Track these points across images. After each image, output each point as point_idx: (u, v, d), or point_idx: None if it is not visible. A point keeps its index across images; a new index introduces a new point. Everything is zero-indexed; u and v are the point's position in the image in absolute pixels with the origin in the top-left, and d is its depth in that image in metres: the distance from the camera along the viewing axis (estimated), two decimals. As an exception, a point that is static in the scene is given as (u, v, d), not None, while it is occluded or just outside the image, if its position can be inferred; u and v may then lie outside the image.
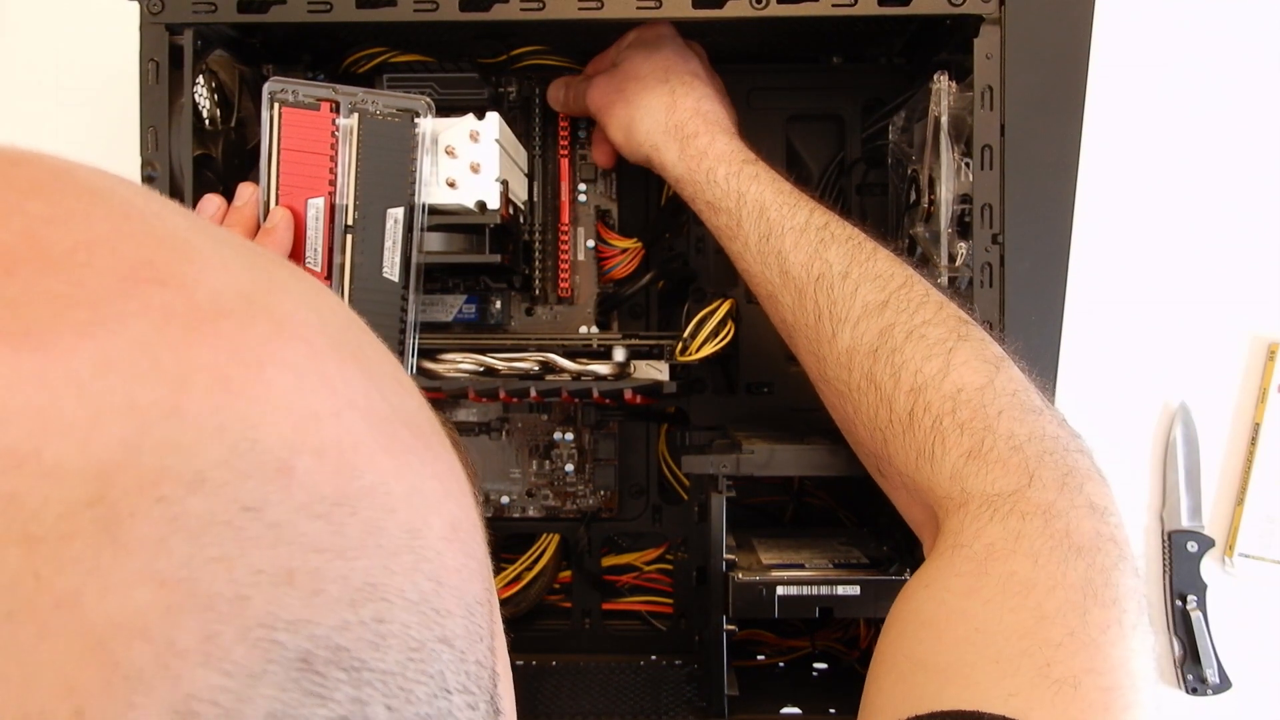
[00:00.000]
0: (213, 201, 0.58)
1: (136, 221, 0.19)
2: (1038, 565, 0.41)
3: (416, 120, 0.57)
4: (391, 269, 0.58)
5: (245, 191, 0.58)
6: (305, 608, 0.17)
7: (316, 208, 0.58)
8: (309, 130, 0.57)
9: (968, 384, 0.48)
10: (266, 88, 0.57)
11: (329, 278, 0.58)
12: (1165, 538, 0.79)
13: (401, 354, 0.58)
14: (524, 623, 0.75)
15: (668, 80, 0.62)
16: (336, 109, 0.57)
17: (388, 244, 0.58)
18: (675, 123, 0.60)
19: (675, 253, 0.76)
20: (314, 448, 0.18)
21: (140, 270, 0.18)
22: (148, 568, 0.15)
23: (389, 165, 0.57)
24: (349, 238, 0.58)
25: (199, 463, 0.16)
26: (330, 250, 0.58)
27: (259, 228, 0.57)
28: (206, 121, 0.62)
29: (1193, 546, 0.78)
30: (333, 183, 0.58)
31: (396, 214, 0.57)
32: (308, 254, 0.58)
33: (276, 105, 0.57)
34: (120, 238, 0.18)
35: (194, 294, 0.18)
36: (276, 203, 0.57)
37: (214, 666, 0.15)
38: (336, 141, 0.57)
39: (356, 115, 0.57)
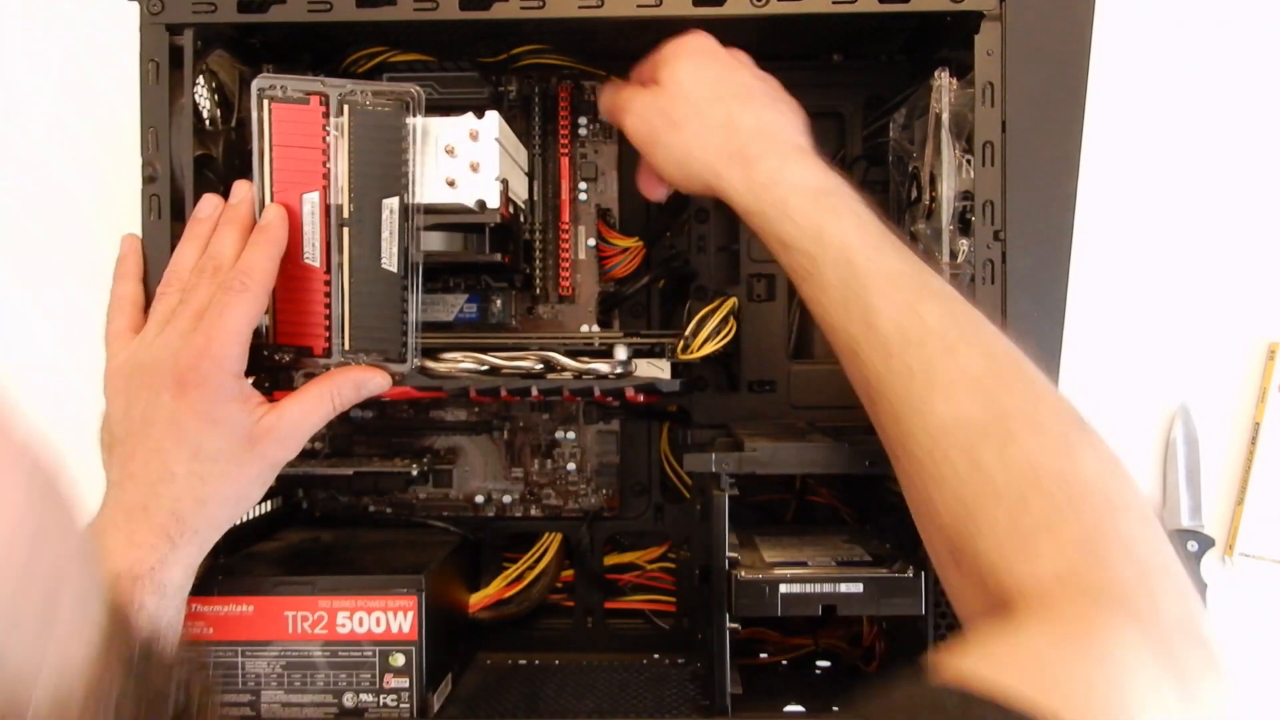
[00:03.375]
0: (210, 201, 0.58)
1: None
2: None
3: (406, 108, 0.57)
4: (390, 259, 0.58)
5: (240, 189, 0.58)
6: None
7: (312, 202, 0.58)
8: (300, 125, 0.57)
9: (1089, 481, 0.43)
10: (255, 84, 0.57)
11: (328, 271, 0.58)
12: (1166, 537, 0.79)
13: (404, 352, 0.58)
14: (527, 622, 0.75)
15: (720, 98, 0.56)
16: (326, 102, 0.57)
17: (385, 234, 0.58)
18: (737, 146, 0.54)
19: (676, 251, 0.76)
20: None
21: None
22: None
23: (381, 155, 0.57)
24: (346, 231, 0.58)
25: None
26: (328, 244, 0.58)
27: (254, 225, 0.57)
28: (207, 122, 0.62)
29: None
30: (326, 176, 0.57)
31: (392, 204, 0.57)
32: (306, 249, 0.58)
33: (266, 102, 0.57)
34: None
35: None
36: (272, 199, 0.57)
37: None
38: (328, 135, 0.57)
39: (346, 107, 0.57)
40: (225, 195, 0.59)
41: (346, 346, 0.58)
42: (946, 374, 0.46)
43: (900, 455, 0.49)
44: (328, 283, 0.58)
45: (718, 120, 0.56)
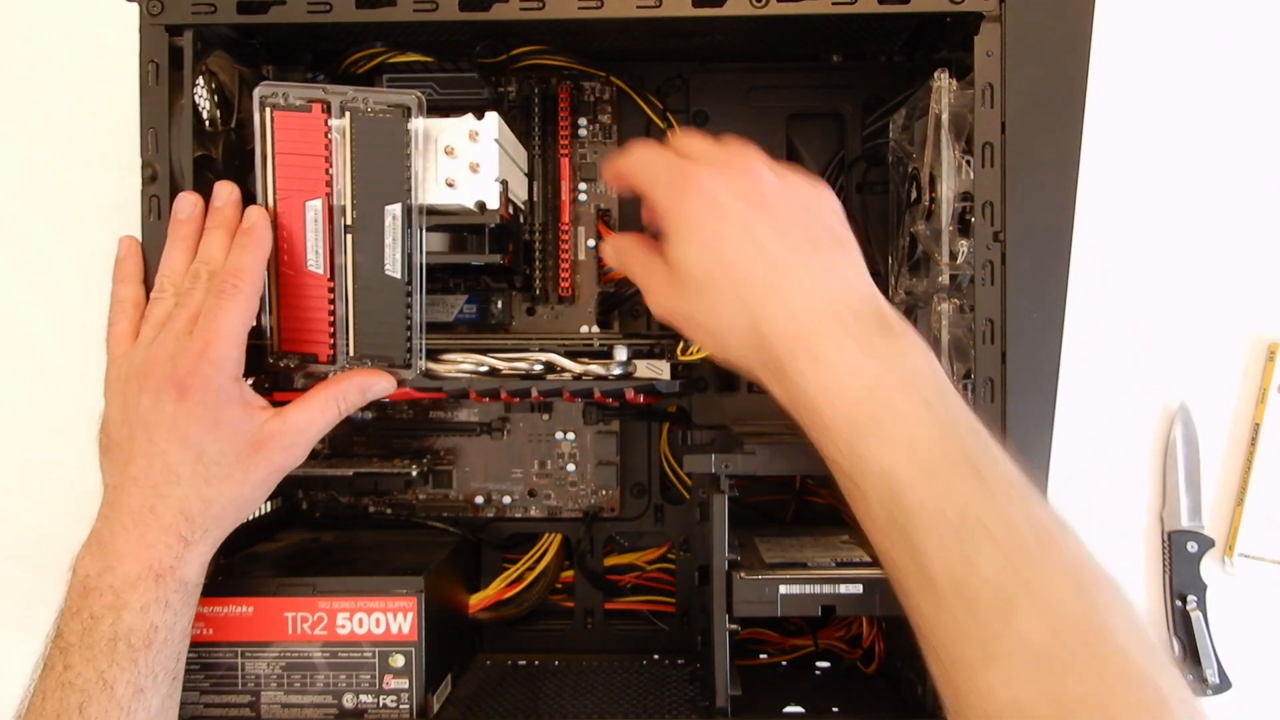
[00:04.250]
0: (187, 200, 0.58)
1: None
2: None
3: (408, 115, 0.57)
4: (393, 266, 0.58)
5: (223, 192, 0.58)
6: None
7: (315, 209, 0.58)
8: (302, 133, 0.57)
9: None
10: (257, 93, 0.57)
11: (332, 278, 0.58)
12: (1165, 538, 0.79)
13: (409, 355, 0.58)
14: (526, 623, 0.75)
15: (737, 288, 0.48)
16: (328, 109, 0.57)
17: (388, 241, 0.58)
18: (763, 350, 0.47)
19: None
20: None
21: None
22: None
23: (384, 162, 0.57)
24: (349, 238, 0.58)
25: None
26: (331, 251, 0.58)
27: (239, 227, 0.57)
28: (206, 122, 0.62)
29: (1193, 546, 0.78)
30: (329, 184, 0.58)
31: (394, 211, 0.57)
32: (309, 256, 0.58)
33: (268, 110, 0.57)
34: None
35: None
36: (275, 207, 0.58)
37: None
38: (330, 142, 0.57)
39: (348, 114, 0.57)
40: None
41: (351, 353, 0.58)
42: (1003, 646, 0.39)
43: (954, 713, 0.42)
44: (331, 290, 0.58)
45: (745, 326, 0.48)
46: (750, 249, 0.48)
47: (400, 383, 0.59)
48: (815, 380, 0.45)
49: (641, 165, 0.52)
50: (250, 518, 0.68)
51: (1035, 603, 0.39)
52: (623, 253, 0.56)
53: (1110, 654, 0.38)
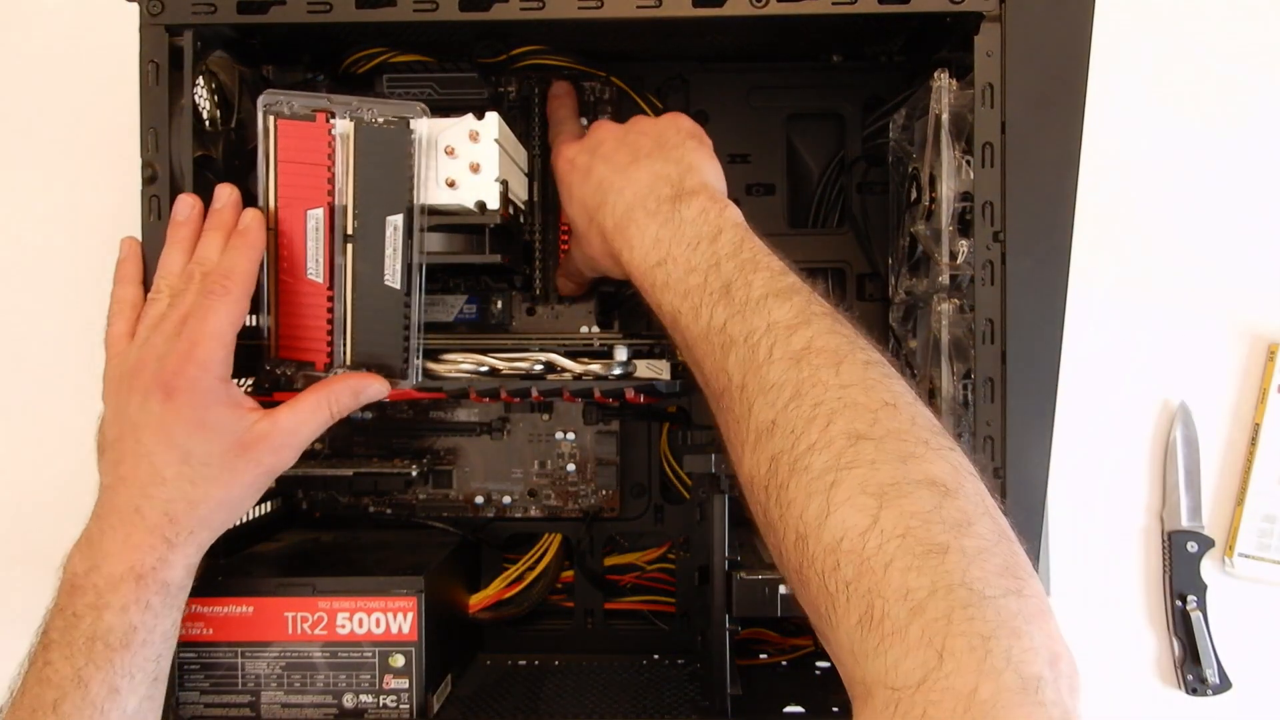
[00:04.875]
0: (186, 202, 0.58)
1: None
2: None
3: (412, 126, 0.57)
4: (393, 276, 0.58)
5: (223, 194, 0.58)
6: None
7: (316, 218, 0.58)
8: (305, 141, 0.57)
9: (849, 529, 0.39)
10: (261, 100, 0.57)
11: (331, 287, 0.58)
12: (1165, 538, 0.79)
13: (406, 364, 0.59)
14: (527, 622, 0.75)
15: (590, 216, 0.60)
16: (331, 118, 0.57)
17: (388, 252, 0.58)
18: (610, 253, 0.58)
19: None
20: None
21: None
22: None
23: (386, 173, 0.57)
24: (349, 247, 0.58)
25: None
26: (331, 260, 0.58)
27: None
28: (207, 123, 0.62)
29: (1193, 546, 0.78)
30: (331, 193, 0.58)
31: (396, 221, 0.58)
32: (309, 265, 0.58)
33: (271, 117, 0.57)
34: None
35: None
36: (276, 215, 0.58)
37: None
38: (333, 151, 0.57)
39: (352, 124, 0.57)
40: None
41: (348, 361, 0.58)
42: (744, 429, 0.46)
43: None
44: (330, 298, 0.58)
45: (597, 240, 0.59)
46: (589, 182, 0.60)
47: (394, 384, 0.59)
48: (629, 259, 0.55)
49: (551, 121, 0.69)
50: (250, 518, 0.68)
51: (761, 391, 0.45)
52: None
53: (822, 413, 0.43)
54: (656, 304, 0.54)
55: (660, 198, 0.55)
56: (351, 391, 0.57)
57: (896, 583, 0.37)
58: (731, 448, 0.48)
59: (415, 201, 0.58)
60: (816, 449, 0.42)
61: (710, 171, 0.58)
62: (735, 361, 0.47)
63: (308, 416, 0.56)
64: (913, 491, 0.39)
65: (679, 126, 0.60)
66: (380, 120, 0.57)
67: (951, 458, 0.42)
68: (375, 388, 0.58)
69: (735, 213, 0.55)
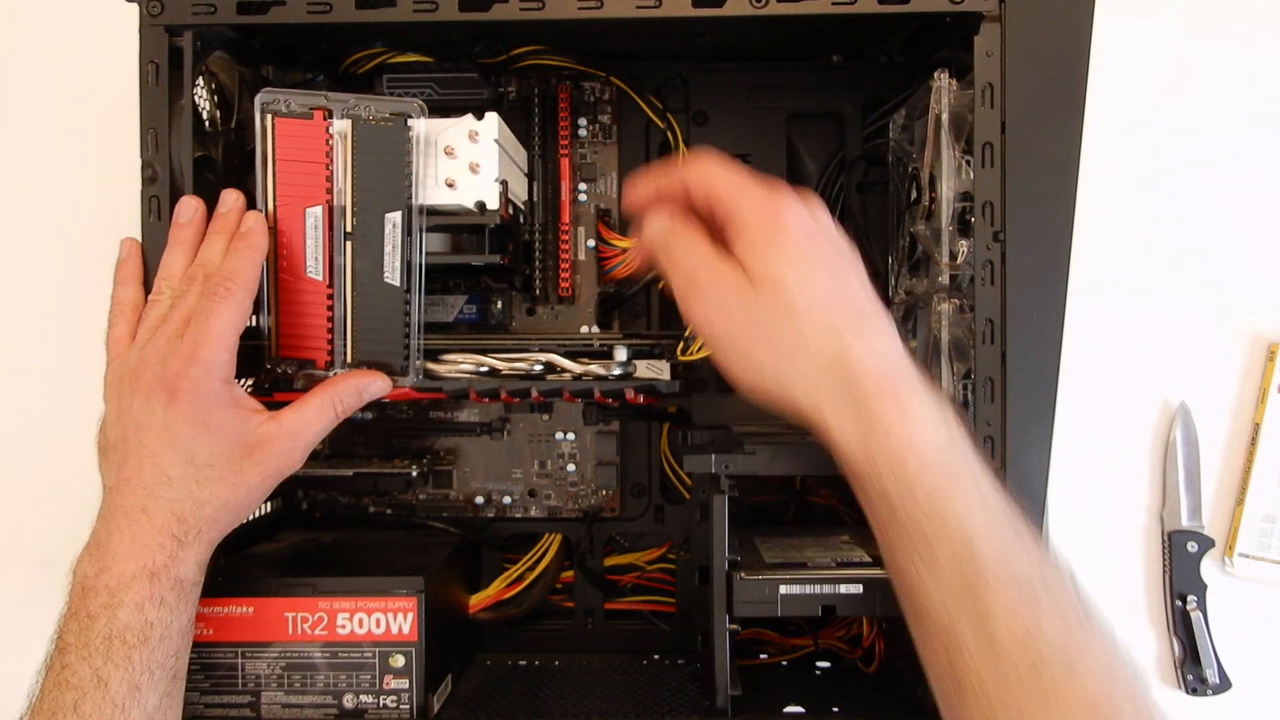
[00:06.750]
0: (189, 204, 0.58)
1: None
2: None
3: (409, 123, 0.57)
4: (393, 273, 0.58)
5: (229, 198, 0.58)
6: None
7: (315, 216, 0.58)
8: (303, 140, 0.58)
9: None
10: (259, 99, 0.57)
11: (331, 285, 0.58)
12: (1165, 538, 0.79)
13: (406, 365, 0.59)
14: (527, 623, 0.75)
15: (834, 325, 0.47)
16: (329, 116, 0.57)
17: (387, 249, 0.58)
18: (854, 394, 0.46)
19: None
20: None
21: None
22: None
23: (384, 170, 0.57)
24: (349, 245, 0.58)
25: None
26: (330, 258, 0.58)
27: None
28: (206, 123, 0.62)
29: (1193, 546, 0.78)
30: (330, 190, 0.58)
31: (394, 218, 0.58)
32: (308, 263, 0.58)
33: (269, 116, 0.57)
34: None
35: None
36: (275, 213, 0.58)
37: None
38: (331, 149, 0.57)
39: (349, 122, 0.57)
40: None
41: (349, 359, 0.59)
42: (1062, 698, 0.42)
43: None
44: (330, 296, 0.58)
45: (830, 355, 0.47)
46: (846, 285, 0.49)
47: (397, 382, 0.59)
48: (904, 432, 0.45)
49: (723, 176, 0.50)
50: (250, 518, 0.68)
51: (1092, 665, 0.42)
52: (678, 241, 0.50)
53: (1145, 707, 0.42)
54: (939, 518, 0.45)
55: (919, 379, 0.48)
56: (355, 390, 0.57)
57: None
58: (1017, 702, 0.43)
59: (414, 198, 0.58)
60: None
61: None
62: (1054, 628, 0.43)
63: (313, 418, 0.56)
64: None
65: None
66: (377, 117, 0.57)
67: None
68: (378, 385, 0.58)
69: None
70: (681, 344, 0.63)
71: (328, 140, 0.58)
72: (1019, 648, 0.43)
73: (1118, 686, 0.43)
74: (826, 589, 0.59)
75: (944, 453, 0.46)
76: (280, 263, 0.58)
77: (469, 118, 0.59)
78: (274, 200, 0.58)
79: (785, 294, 0.47)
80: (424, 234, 0.58)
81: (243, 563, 0.65)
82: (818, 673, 0.72)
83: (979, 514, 0.45)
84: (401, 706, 0.59)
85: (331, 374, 0.58)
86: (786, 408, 0.48)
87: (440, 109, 0.59)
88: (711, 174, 0.50)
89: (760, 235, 0.48)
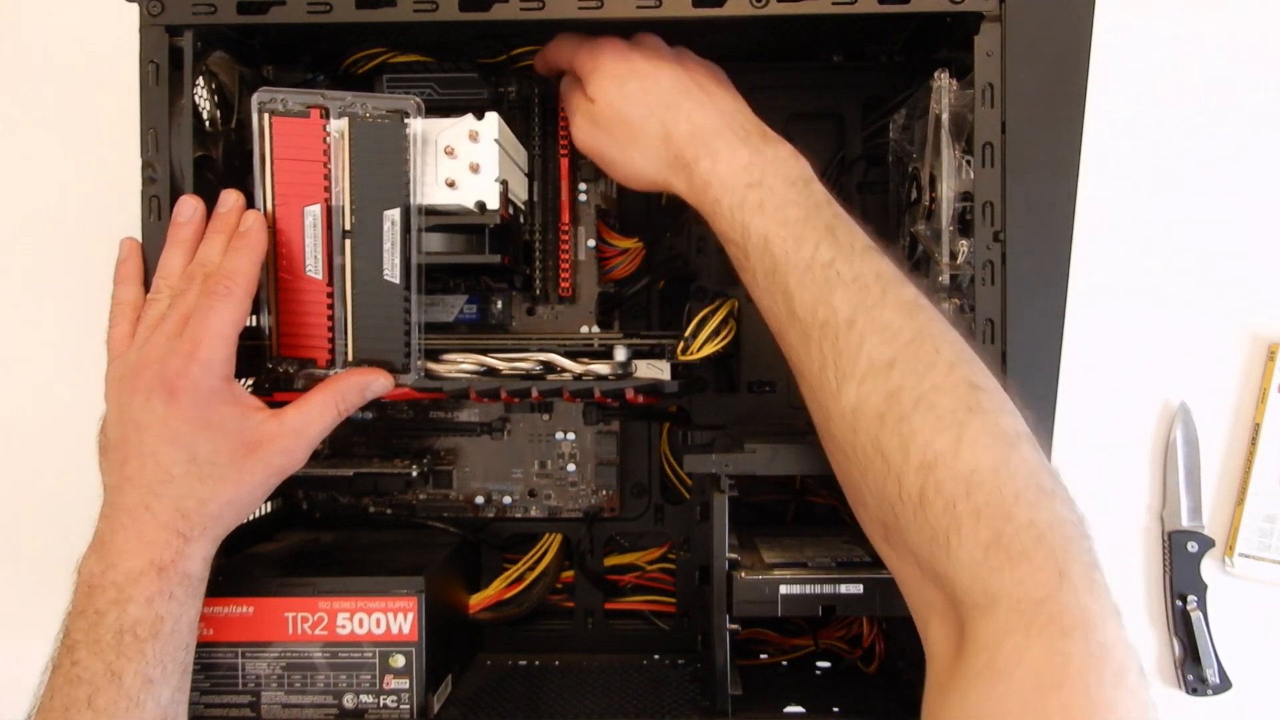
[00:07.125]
0: (188, 204, 0.58)
1: None
2: (1090, 698, 0.40)
3: (407, 121, 0.57)
4: (392, 271, 0.58)
5: (229, 199, 0.58)
6: None
7: (313, 214, 0.58)
8: (300, 138, 0.57)
9: (982, 464, 0.45)
10: (255, 98, 0.57)
11: (330, 284, 0.58)
12: (1165, 538, 0.79)
13: (407, 363, 0.59)
14: (527, 623, 0.75)
15: (653, 111, 0.58)
16: (326, 115, 0.57)
17: (386, 246, 0.58)
18: (674, 154, 0.58)
19: (676, 252, 0.76)
20: None
21: None
22: None
23: (382, 167, 0.57)
24: (347, 242, 0.58)
25: None
26: (330, 256, 0.58)
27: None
28: (207, 123, 0.62)
29: (1193, 546, 0.78)
30: (328, 189, 0.58)
31: (393, 216, 0.58)
32: (308, 262, 0.58)
33: (266, 115, 0.57)
34: None
35: None
36: (273, 212, 0.58)
37: None
38: (329, 148, 0.57)
39: (346, 119, 0.57)
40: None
41: (349, 357, 0.59)
42: (853, 362, 0.49)
43: (826, 443, 0.54)
44: (330, 295, 0.58)
45: (655, 135, 0.58)
46: (655, 86, 0.59)
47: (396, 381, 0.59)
48: (712, 169, 0.56)
49: (555, 49, 0.64)
50: (250, 518, 0.68)
51: (875, 329, 0.49)
52: (562, 99, 0.65)
53: (943, 361, 0.48)
54: (741, 224, 0.54)
55: (746, 129, 0.57)
56: (357, 388, 0.58)
57: (1024, 515, 0.44)
58: (824, 377, 0.51)
59: (412, 196, 0.58)
60: (942, 390, 0.47)
61: None
62: (843, 298, 0.50)
63: (315, 416, 0.56)
64: (1024, 444, 0.47)
65: (725, 79, 0.63)
66: (374, 115, 0.57)
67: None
68: (380, 382, 0.58)
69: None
70: (682, 344, 0.63)
71: (325, 139, 0.58)
72: (814, 322, 0.51)
73: (898, 342, 0.49)
74: (826, 589, 0.59)
75: (748, 183, 0.55)
76: (280, 262, 0.58)
77: (469, 117, 0.59)
78: (272, 199, 0.58)
79: (612, 106, 0.59)
80: (423, 232, 0.58)
81: (243, 562, 0.65)
82: (818, 673, 0.72)
83: (775, 220, 0.53)
84: (401, 706, 0.59)
85: (332, 373, 0.58)
86: (653, 189, 0.60)
87: (440, 109, 0.59)
88: (549, 53, 0.64)
89: (589, 74, 0.61)
